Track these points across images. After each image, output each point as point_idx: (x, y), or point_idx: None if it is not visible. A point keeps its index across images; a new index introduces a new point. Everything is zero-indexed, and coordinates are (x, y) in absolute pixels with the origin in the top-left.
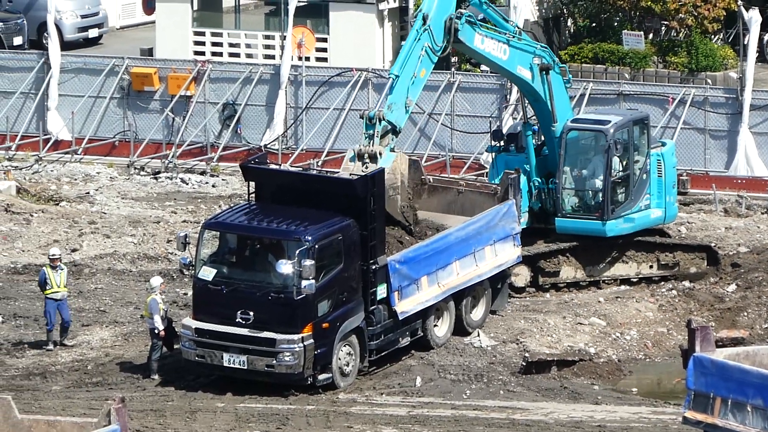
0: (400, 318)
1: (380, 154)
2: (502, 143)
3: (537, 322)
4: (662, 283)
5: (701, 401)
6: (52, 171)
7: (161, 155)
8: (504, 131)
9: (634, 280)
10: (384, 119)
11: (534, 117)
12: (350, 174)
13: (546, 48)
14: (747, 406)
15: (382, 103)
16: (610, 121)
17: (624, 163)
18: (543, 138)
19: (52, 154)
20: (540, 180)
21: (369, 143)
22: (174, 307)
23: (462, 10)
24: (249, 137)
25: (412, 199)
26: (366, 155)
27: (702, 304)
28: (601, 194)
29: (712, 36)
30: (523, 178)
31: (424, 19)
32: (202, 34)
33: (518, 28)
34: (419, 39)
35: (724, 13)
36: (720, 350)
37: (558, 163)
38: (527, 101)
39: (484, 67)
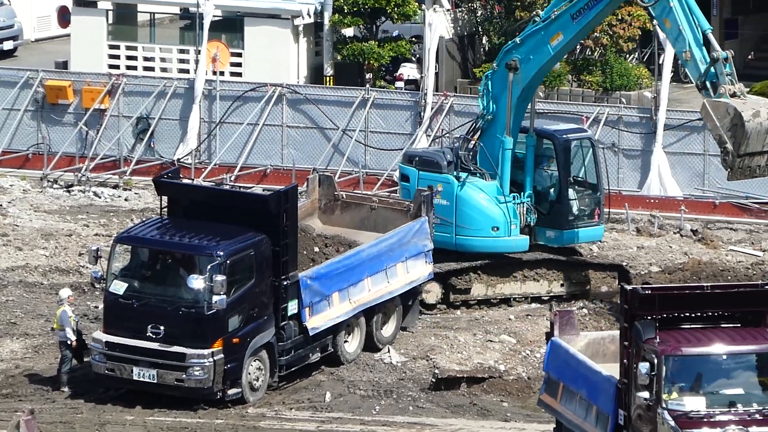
0: (311, 334)
1: (741, 92)
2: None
3: (447, 339)
4: (573, 301)
5: (552, 386)
6: None
7: (74, 168)
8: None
9: (545, 298)
10: (732, 59)
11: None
12: None
13: None
14: (577, 396)
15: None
16: (582, 128)
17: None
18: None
19: None
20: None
21: (732, 82)
22: (85, 320)
23: None
24: (162, 151)
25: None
26: (739, 94)
27: (613, 323)
28: (598, 199)
29: (627, 55)
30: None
31: None
32: (117, 47)
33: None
34: None
35: (640, 33)
36: (585, 334)
37: (562, 177)
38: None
39: (398, 84)
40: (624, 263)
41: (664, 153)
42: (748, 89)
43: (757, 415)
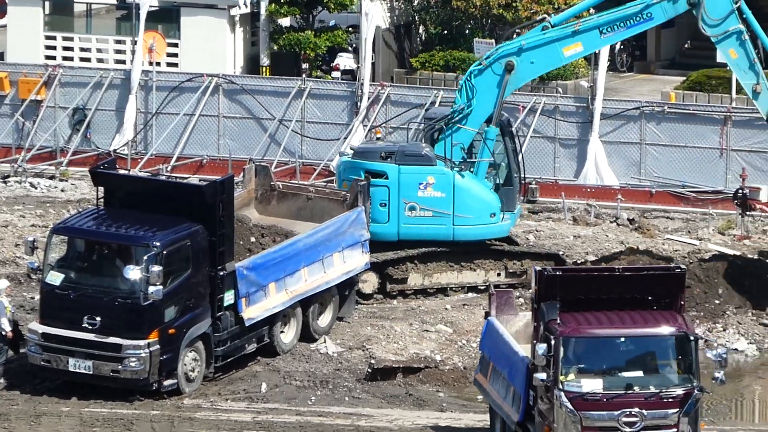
0: (247, 324)
1: None
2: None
3: (384, 329)
4: (510, 290)
5: (484, 365)
6: None
7: (11, 159)
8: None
9: (482, 287)
10: None
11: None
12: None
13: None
14: (501, 376)
15: None
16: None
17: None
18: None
19: None
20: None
21: None
22: (21, 311)
23: None
24: (99, 142)
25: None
26: None
27: None
28: (518, 179)
29: None
30: (484, 184)
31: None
32: (54, 38)
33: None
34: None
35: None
36: (524, 314)
37: (511, 159)
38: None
39: (335, 74)
40: (561, 252)
41: (600, 142)
42: (685, 78)
43: (653, 399)
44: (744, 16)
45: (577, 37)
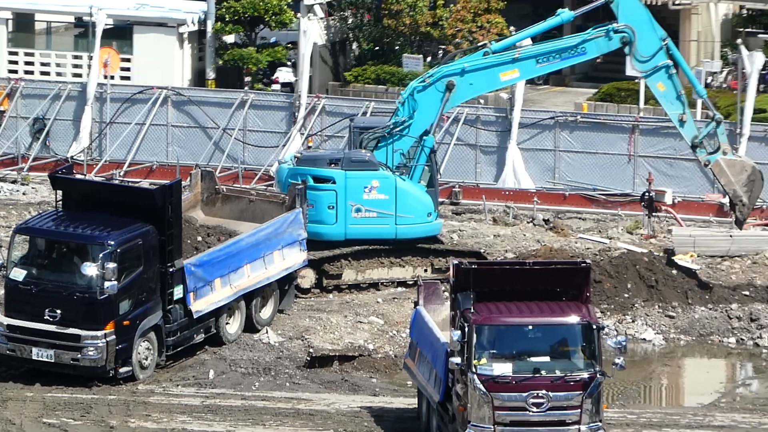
0: (195, 316)
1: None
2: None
3: (321, 321)
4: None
5: (413, 350)
6: None
7: None
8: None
9: (410, 282)
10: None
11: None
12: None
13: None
14: (426, 359)
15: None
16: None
17: None
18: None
19: None
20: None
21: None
22: None
23: None
24: (57, 149)
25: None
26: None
27: None
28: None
29: None
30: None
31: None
32: (16, 53)
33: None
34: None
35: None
36: (449, 304)
37: (433, 166)
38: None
39: (275, 87)
40: (482, 250)
41: (518, 149)
42: (596, 90)
43: (559, 382)
44: (671, 51)
45: (515, 64)
